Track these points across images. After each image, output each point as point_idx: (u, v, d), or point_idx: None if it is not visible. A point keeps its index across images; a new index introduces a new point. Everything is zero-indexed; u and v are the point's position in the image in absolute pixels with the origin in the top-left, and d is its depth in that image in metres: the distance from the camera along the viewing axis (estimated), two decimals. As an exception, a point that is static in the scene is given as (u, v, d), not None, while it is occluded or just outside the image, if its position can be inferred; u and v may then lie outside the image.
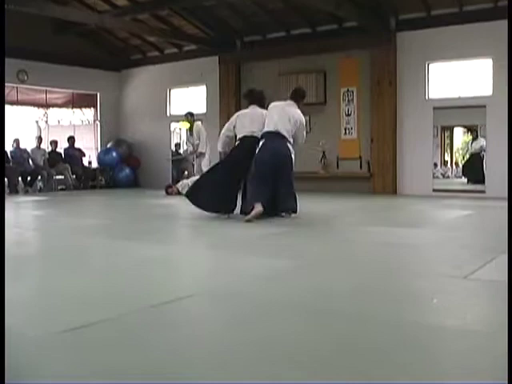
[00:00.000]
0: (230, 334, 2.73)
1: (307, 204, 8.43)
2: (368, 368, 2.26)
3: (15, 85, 14.30)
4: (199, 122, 12.67)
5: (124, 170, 15.49)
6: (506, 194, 10.21)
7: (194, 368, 2.27)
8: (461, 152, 22.21)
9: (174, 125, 16.24)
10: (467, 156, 18.84)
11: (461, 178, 18.52)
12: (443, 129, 20.67)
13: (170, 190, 12.56)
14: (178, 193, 11.91)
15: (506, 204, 9.42)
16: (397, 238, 5.87)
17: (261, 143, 7.38)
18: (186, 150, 13.72)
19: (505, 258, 4.63)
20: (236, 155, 7.66)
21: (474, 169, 15.87)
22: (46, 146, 15.02)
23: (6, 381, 1.93)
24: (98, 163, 15.69)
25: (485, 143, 13.27)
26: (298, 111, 7.60)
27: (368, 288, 3.67)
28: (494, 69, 11.02)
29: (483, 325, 2.91)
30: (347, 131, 12.72)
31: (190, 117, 12.69)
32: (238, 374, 2.19)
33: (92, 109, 16.39)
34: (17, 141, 13.91)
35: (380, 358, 2.37)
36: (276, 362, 2.32)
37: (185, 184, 12.06)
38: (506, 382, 1.83)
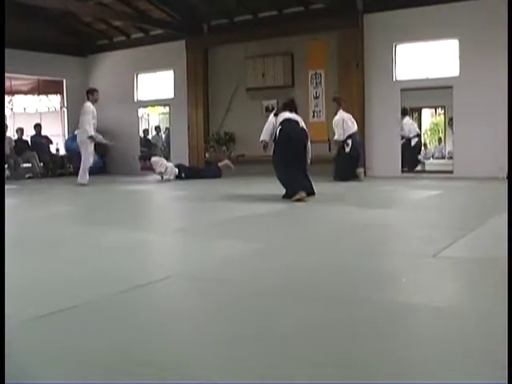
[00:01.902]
0: (201, 317, 2.72)
1: (277, 188, 8.42)
2: (339, 347, 2.26)
3: (-23, 72, 14.04)
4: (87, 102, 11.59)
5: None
6: (473, 175, 10.38)
7: (170, 350, 2.26)
8: (429, 133, 22.35)
9: (141, 110, 16.12)
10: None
11: (429, 159, 18.65)
12: (411, 110, 20.75)
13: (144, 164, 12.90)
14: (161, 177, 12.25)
15: (473, 184, 9.57)
16: (365, 219, 5.91)
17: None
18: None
19: (473, 236, 4.69)
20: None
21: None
22: (11, 134, 14.79)
23: (5, 381, 1.90)
24: (66, 150, 15.52)
25: (411, 126, 13.59)
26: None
27: (336, 268, 3.68)
28: (460, 50, 11.08)
29: (451, 302, 2.94)
30: (315, 114, 12.73)
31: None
32: (210, 358, 2.18)
33: (58, 95, 16.18)
34: (-19, 129, 13.69)
35: (350, 335, 2.38)
36: (251, 343, 2.31)
37: (170, 168, 12.04)
38: (506, 382, 1.84)
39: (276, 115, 8.05)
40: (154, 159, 12.59)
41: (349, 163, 10.92)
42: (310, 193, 7.62)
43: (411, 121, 14.17)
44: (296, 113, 8.05)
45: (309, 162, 8.03)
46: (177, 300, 3.12)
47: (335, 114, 10.98)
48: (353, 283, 3.28)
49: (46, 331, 2.53)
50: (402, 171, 11.98)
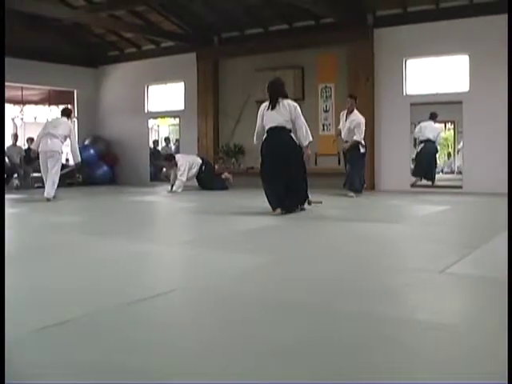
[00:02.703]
0: (206, 326, 2.71)
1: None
2: (340, 362, 2.25)
3: (-11, 81, 14.14)
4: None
5: (102, 167, 15.37)
6: (482, 190, 10.33)
7: (174, 364, 2.25)
8: (439, 148, 22.29)
9: (151, 121, 16.18)
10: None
11: (438, 173, 18.59)
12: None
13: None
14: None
15: (482, 200, 9.53)
16: (373, 233, 5.89)
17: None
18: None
19: (480, 253, 4.66)
20: None
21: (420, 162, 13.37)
22: (22, 144, 14.88)
23: (5, 381, 1.90)
24: (76, 160, 15.56)
25: (435, 130, 13.40)
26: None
27: (342, 282, 3.67)
28: (470, 65, 11.07)
29: (456, 318, 2.91)
30: (325, 127, 12.73)
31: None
32: (220, 369, 2.17)
33: (69, 105, 16.25)
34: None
35: (353, 352, 2.36)
36: (258, 356, 2.30)
37: (180, 183, 12.07)
38: (506, 382, 1.82)
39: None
40: (178, 155, 12.77)
41: (362, 171, 10.63)
42: (289, 210, 7.44)
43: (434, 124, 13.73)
44: (283, 97, 7.57)
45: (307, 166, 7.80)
46: (180, 313, 3.11)
47: (349, 111, 10.46)
48: (358, 298, 3.26)
49: (51, 342, 2.53)
50: (412, 185, 11.95)
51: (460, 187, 11.44)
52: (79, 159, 10.80)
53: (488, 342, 2.49)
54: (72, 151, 10.73)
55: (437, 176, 16.74)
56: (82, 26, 14.23)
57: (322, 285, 3.60)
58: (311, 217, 7.39)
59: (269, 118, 7.50)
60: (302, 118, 7.56)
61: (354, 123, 10.27)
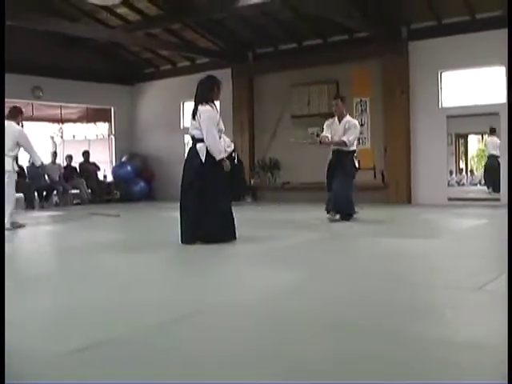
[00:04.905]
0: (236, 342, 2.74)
1: (320, 215, 8.45)
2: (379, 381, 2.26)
3: (30, 101, 14.41)
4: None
5: (138, 183, 15.53)
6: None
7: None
8: (476, 159, 22.10)
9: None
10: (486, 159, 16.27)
11: (476, 185, 18.41)
12: (457, 136, 20.59)
13: None
14: None
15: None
16: (410, 249, 5.86)
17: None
18: None
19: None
20: None
21: (490, 173, 14.43)
22: (61, 161, 15.12)
23: (5, 381, 1.94)
24: (113, 177, 15.78)
25: (497, 145, 13.27)
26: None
27: (380, 300, 3.66)
28: (507, 76, 10.96)
29: (494, 338, 2.89)
30: (361, 141, 12.66)
31: None
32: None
33: (106, 123, 16.50)
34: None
35: (392, 371, 2.37)
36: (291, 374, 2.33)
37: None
38: (506, 382, 1.82)
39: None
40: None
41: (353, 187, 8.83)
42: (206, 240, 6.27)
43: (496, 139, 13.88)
44: (207, 103, 6.36)
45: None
46: (209, 334, 3.14)
47: (339, 116, 8.69)
48: (395, 315, 3.25)
49: (84, 364, 2.58)
50: (449, 199, 11.85)
51: (498, 200, 11.30)
52: (39, 162, 9.07)
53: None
54: (30, 155, 9.25)
55: (474, 188, 16.56)
56: (119, 44, 14.45)
57: (361, 302, 3.60)
58: (346, 234, 7.37)
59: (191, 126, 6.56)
60: (213, 128, 6.32)
61: (349, 124, 8.57)
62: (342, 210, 8.49)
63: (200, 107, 6.35)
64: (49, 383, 2.32)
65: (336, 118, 8.70)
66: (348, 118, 8.68)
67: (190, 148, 6.59)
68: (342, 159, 8.52)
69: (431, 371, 2.40)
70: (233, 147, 7.40)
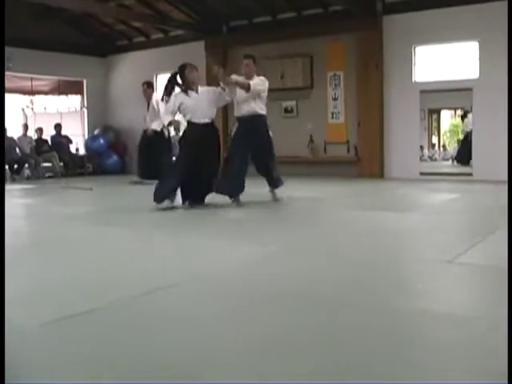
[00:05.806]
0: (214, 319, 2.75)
1: (294, 188, 8.46)
2: (355, 357, 2.28)
3: (0, 72, 14.17)
4: None
5: (111, 156, 15.43)
6: (492, 177, 10.29)
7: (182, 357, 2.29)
8: (448, 134, 22.28)
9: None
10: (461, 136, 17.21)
11: (448, 160, 18.57)
12: (430, 112, 20.73)
13: None
14: None
15: (492, 187, 9.51)
16: (382, 223, 5.90)
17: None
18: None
19: (490, 241, 4.68)
20: None
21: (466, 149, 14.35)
22: (32, 134, 14.92)
23: (5, 381, 1.94)
24: (86, 150, 15.64)
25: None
26: None
27: (352, 274, 3.69)
28: (480, 52, 11.02)
29: (468, 309, 2.94)
30: (334, 115, 12.72)
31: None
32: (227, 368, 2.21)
33: (78, 95, 16.29)
34: (3, 129, 13.76)
35: (368, 346, 2.40)
36: (267, 354, 2.34)
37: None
38: (506, 382, 1.85)
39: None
40: None
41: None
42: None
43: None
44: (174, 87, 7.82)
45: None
46: (189, 304, 3.15)
47: (250, 76, 7.74)
48: (369, 289, 3.29)
49: (59, 336, 2.58)
50: (421, 173, 11.94)
51: (470, 174, 11.42)
52: None
53: (500, 331, 2.51)
54: None
55: (446, 163, 16.73)
56: (91, 15, 14.24)
57: (333, 278, 3.63)
58: (319, 206, 7.39)
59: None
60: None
61: (257, 85, 7.53)
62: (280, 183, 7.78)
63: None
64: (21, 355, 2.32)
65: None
66: (256, 80, 7.61)
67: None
68: (261, 128, 7.72)
69: (407, 338, 2.43)
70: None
